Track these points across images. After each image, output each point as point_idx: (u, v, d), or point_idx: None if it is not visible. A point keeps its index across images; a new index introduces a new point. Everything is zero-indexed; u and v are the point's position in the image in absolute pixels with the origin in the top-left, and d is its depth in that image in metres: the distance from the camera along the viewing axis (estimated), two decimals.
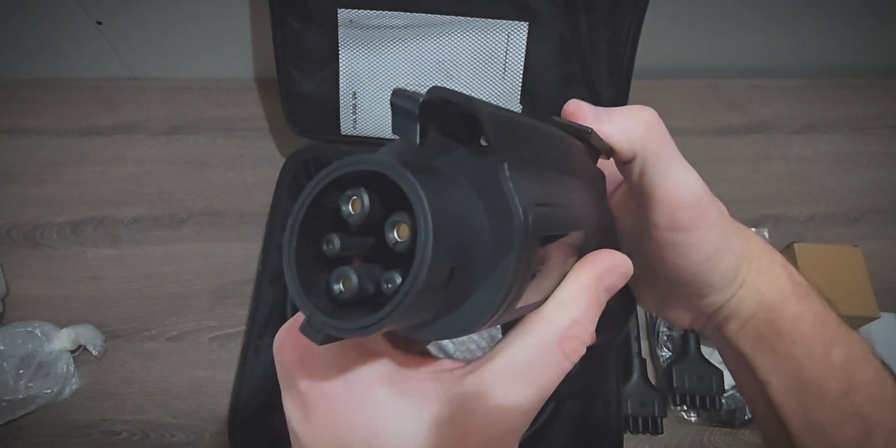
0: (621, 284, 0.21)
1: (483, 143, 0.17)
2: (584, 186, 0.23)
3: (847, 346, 0.27)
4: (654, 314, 0.67)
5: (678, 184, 0.24)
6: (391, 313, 0.15)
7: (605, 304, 0.21)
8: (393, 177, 0.15)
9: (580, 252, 0.21)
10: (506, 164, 0.17)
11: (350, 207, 0.16)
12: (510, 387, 0.19)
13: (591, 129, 0.23)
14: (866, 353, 0.27)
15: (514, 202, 0.16)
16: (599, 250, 0.22)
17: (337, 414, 0.19)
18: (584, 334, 0.20)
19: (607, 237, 0.26)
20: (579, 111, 0.23)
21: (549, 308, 0.20)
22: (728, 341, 0.29)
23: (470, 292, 0.17)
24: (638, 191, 0.25)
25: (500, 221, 0.17)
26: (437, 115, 0.17)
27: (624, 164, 0.25)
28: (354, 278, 0.16)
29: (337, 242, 0.16)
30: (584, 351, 0.20)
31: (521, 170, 0.17)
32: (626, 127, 0.23)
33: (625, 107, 0.24)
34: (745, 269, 0.27)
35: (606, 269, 0.21)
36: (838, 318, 0.28)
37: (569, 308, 0.20)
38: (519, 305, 0.18)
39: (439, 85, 0.18)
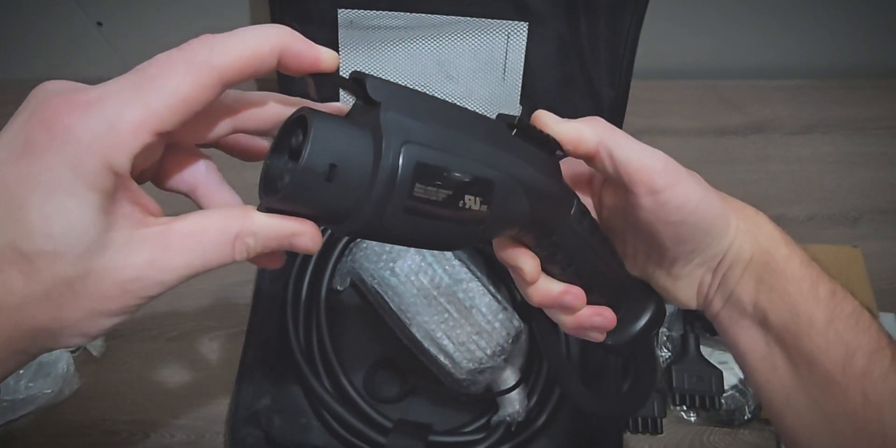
0: (283, 244, 0.25)
1: (373, 98, 0.23)
2: (507, 155, 0.27)
3: (830, 284, 0.32)
4: None
5: (643, 154, 0.30)
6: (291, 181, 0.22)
7: (296, 241, 0.25)
8: (305, 114, 0.23)
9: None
10: (381, 105, 0.23)
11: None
12: (179, 241, 0.22)
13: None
14: (846, 293, 0.32)
15: (385, 129, 0.22)
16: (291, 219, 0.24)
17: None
18: (257, 244, 0.24)
19: (553, 204, 0.30)
20: (544, 116, 0.30)
21: (256, 213, 0.23)
22: (733, 298, 0.33)
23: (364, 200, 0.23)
24: (615, 175, 0.30)
25: (377, 144, 0.23)
26: (351, 90, 0.24)
27: (593, 159, 0.31)
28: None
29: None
30: (245, 255, 0.24)
31: (403, 115, 0.23)
32: (586, 123, 0.30)
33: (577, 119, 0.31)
34: (735, 217, 0.32)
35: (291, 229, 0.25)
36: (817, 263, 0.33)
37: (266, 221, 0.24)
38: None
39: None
